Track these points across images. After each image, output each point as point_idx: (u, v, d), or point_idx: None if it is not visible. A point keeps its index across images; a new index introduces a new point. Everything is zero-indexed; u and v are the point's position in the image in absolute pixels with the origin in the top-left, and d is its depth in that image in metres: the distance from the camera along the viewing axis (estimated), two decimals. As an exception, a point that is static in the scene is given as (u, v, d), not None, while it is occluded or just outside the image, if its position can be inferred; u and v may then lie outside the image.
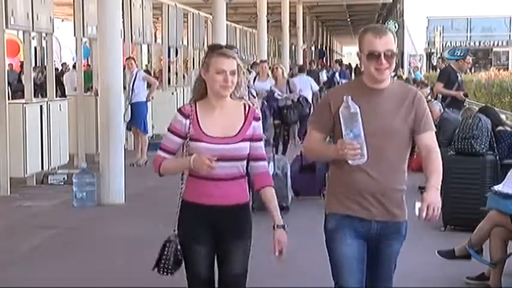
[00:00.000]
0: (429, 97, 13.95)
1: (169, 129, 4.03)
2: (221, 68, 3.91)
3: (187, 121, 3.94)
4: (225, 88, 3.92)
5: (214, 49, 4.01)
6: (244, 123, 3.98)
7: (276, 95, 13.18)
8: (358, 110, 3.72)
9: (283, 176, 9.18)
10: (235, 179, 3.97)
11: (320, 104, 4.10)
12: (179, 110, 4.02)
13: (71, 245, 7.83)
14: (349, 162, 3.74)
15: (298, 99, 13.29)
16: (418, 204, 3.72)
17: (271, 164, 8.73)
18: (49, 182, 11.50)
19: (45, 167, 11.64)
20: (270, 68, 14.79)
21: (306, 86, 19.04)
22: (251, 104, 4.12)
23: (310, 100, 19.64)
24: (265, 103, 13.10)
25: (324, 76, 25.81)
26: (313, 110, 4.24)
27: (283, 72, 13.84)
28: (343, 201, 3.89)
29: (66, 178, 11.37)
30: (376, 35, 3.84)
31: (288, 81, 13.60)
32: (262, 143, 4.07)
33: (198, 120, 3.95)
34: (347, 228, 3.87)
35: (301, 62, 30.09)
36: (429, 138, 3.92)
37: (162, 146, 4.04)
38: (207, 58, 3.99)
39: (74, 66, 22.10)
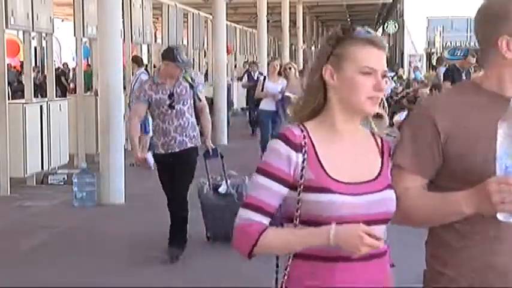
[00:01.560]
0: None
1: (262, 171, 2.32)
2: (371, 65, 2.31)
3: (300, 156, 2.29)
4: (375, 101, 2.34)
5: (356, 34, 2.36)
6: (382, 160, 2.41)
7: (292, 98, 12.37)
8: None
9: (238, 196, 7.44)
10: (379, 255, 2.35)
11: (415, 128, 2.40)
12: (282, 136, 2.32)
13: (71, 245, 7.83)
14: (501, 217, 2.17)
15: None
16: None
17: (223, 182, 7.59)
18: (49, 182, 11.50)
19: (45, 167, 11.64)
20: (281, 66, 13.33)
21: None
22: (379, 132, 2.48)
23: None
24: (280, 107, 12.10)
25: None
26: (401, 140, 2.45)
27: (295, 72, 12.81)
28: None
29: (66, 178, 11.36)
30: None
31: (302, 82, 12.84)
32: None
33: (317, 156, 2.31)
34: None
35: (301, 62, 30.07)
36: None
37: (252, 202, 2.31)
38: (337, 48, 2.35)
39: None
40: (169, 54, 6.86)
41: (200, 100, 7.07)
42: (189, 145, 6.93)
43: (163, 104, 6.87)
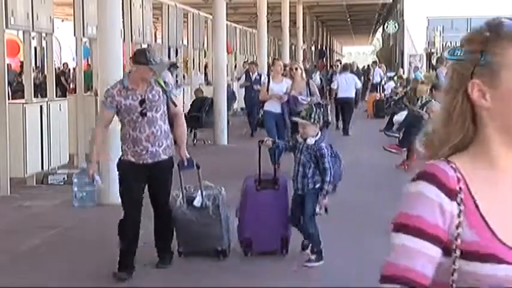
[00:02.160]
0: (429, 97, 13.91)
1: (409, 229, 1.61)
2: None
3: (454, 206, 1.62)
4: None
5: (509, 30, 1.65)
6: None
7: (300, 99, 11.70)
8: None
9: (215, 208, 6.98)
10: None
11: None
12: (430, 176, 1.64)
13: (71, 245, 7.83)
14: None
15: (319, 103, 11.98)
16: None
17: (198, 192, 7.00)
18: (49, 182, 11.50)
19: (45, 167, 11.64)
20: (285, 67, 13.09)
21: (351, 84, 19.00)
22: None
23: (353, 98, 19.23)
24: (285, 110, 11.84)
25: (317, 78, 23.30)
26: None
27: (302, 73, 12.34)
28: None
29: (66, 178, 11.37)
30: None
31: (308, 83, 12.19)
32: None
33: (477, 208, 1.63)
34: None
35: (301, 62, 30.06)
36: None
37: (399, 275, 1.59)
38: (486, 55, 1.65)
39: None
40: (141, 57, 6.34)
41: (175, 105, 6.57)
42: (163, 156, 6.51)
43: (134, 111, 6.42)
